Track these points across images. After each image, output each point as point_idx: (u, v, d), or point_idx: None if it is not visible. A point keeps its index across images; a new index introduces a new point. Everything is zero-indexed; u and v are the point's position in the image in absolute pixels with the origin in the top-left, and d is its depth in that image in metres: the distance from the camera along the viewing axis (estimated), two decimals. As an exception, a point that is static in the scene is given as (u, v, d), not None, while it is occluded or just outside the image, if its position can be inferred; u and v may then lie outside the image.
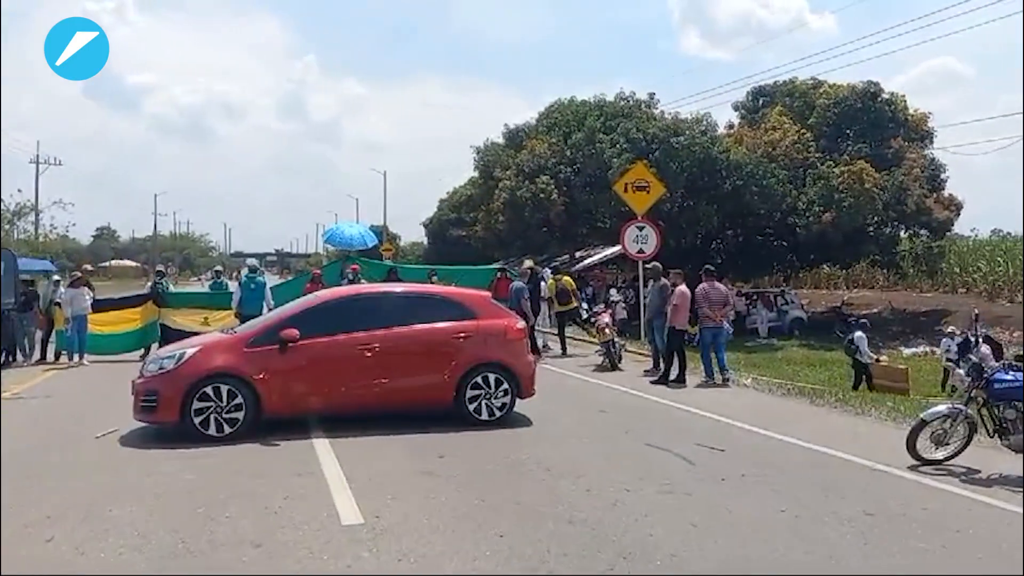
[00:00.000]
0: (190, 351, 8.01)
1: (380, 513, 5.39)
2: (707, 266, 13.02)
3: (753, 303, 27.52)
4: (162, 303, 15.39)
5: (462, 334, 8.55)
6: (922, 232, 29.82)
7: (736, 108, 33.73)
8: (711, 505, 5.74)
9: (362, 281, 16.49)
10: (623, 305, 22.37)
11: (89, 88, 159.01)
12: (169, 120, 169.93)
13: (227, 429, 7.66)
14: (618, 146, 27.48)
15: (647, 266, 14.12)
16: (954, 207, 29.39)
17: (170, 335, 13.92)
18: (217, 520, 5.30)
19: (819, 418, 9.64)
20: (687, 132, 27.59)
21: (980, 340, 14.50)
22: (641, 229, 17.01)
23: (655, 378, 12.19)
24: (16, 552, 4.72)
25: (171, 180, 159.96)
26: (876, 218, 27.61)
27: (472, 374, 8.42)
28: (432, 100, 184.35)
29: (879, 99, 29.29)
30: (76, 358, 14.10)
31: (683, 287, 12.14)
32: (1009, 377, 6.64)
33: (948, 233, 30.71)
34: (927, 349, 23.07)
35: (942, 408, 7.02)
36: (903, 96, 30.08)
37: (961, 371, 7.07)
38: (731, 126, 33.26)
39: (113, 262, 74.51)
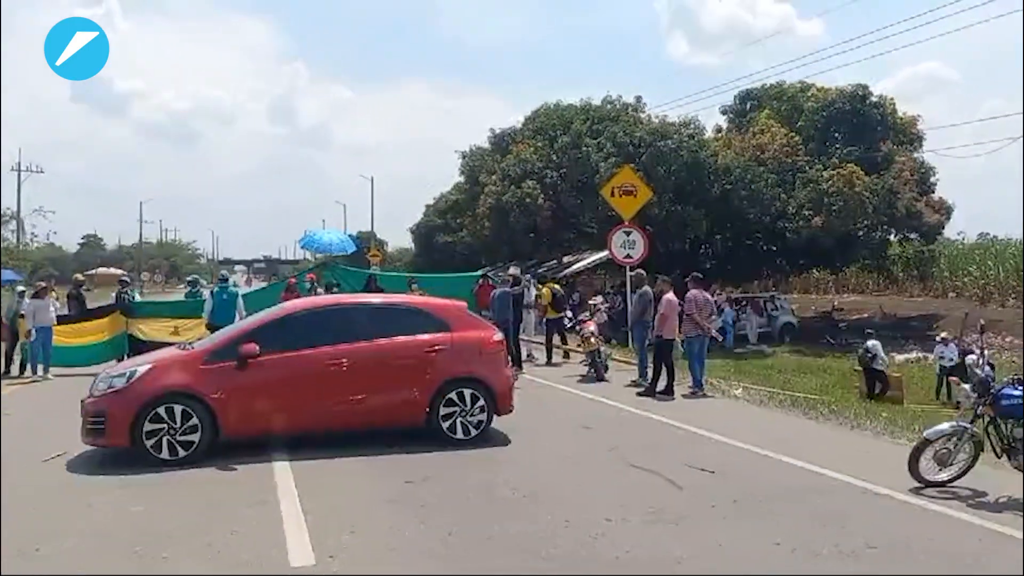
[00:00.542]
0: (141, 368, 7.47)
1: (335, 552, 4.91)
2: (695, 273, 12.63)
3: (743, 309, 27.12)
4: (128, 314, 14.84)
5: (435, 347, 8.04)
6: (912, 236, 29.54)
7: (724, 112, 33.30)
8: (699, 537, 5.26)
9: (319, 291, 15.97)
10: (606, 311, 21.86)
11: (77, 93, 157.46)
12: (158, 125, 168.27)
13: (181, 453, 7.14)
14: (605, 150, 27.05)
15: (631, 273, 13.72)
16: (944, 211, 29.08)
17: (139, 347, 13.44)
18: (154, 560, 4.82)
19: (814, 433, 9.22)
20: (674, 136, 27.13)
21: (984, 351, 14.08)
22: (628, 234, 16.62)
23: (641, 390, 11.74)
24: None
25: (160, 186, 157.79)
26: (866, 222, 27.21)
27: (446, 390, 7.92)
28: (419, 104, 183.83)
29: (867, 102, 28.93)
30: (40, 371, 13.57)
31: (670, 295, 11.77)
32: (1017, 393, 6.18)
33: (938, 237, 30.46)
34: (920, 355, 22.74)
35: (945, 426, 6.55)
36: (892, 99, 29.82)
37: (966, 387, 6.62)
38: (719, 130, 32.85)
39: (100, 270, 73.43)
